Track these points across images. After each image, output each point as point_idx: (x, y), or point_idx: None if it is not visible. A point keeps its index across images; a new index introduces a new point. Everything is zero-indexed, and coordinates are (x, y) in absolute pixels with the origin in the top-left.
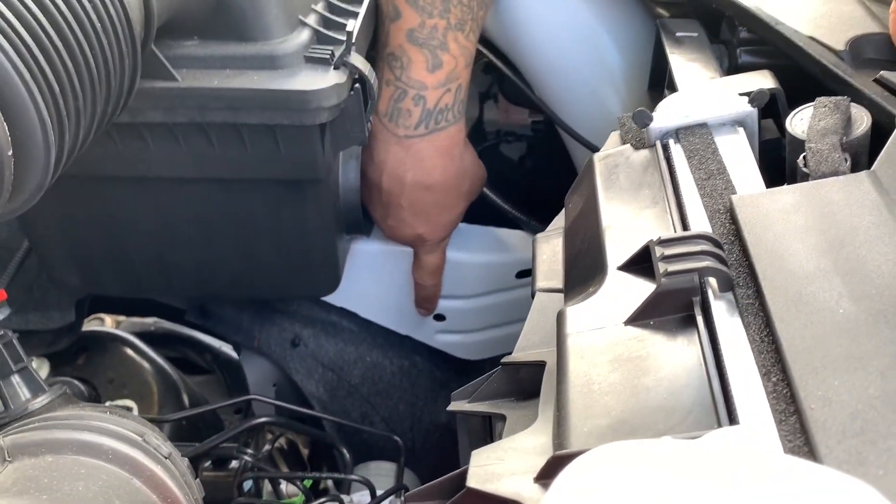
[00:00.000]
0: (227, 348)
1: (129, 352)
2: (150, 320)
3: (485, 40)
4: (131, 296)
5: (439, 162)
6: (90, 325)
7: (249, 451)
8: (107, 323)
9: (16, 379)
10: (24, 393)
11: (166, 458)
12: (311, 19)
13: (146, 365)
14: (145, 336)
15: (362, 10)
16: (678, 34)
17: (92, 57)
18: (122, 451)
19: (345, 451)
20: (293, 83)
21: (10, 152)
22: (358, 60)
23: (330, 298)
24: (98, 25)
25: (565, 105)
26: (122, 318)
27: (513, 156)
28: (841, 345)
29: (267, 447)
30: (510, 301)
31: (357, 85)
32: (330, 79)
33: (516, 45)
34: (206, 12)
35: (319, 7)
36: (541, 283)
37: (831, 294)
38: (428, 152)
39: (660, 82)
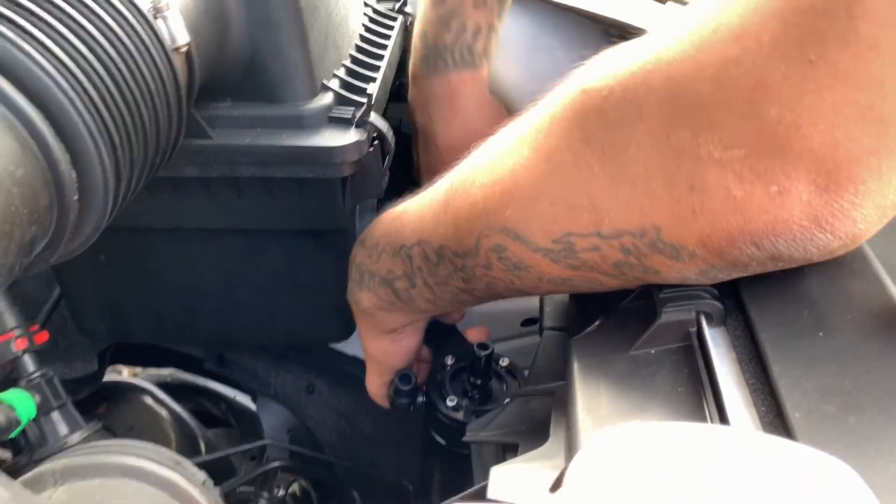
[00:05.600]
0: (242, 398)
1: (148, 401)
2: (166, 371)
3: None
4: (156, 342)
5: (439, 111)
6: (109, 377)
7: (265, 494)
8: (124, 374)
9: (55, 415)
10: (62, 428)
11: (202, 484)
12: (334, 83)
13: (164, 414)
14: (162, 386)
15: (380, 75)
16: None
17: (147, 116)
18: (164, 475)
19: (355, 493)
20: (318, 140)
21: (77, 197)
22: (377, 120)
23: (343, 348)
24: (153, 87)
25: None
26: (138, 369)
27: None
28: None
29: (281, 492)
30: (515, 349)
31: (376, 142)
32: (351, 136)
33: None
34: (238, 76)
35: (341, 73)
36: (548, 322)
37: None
38: (430, 97)
39: None
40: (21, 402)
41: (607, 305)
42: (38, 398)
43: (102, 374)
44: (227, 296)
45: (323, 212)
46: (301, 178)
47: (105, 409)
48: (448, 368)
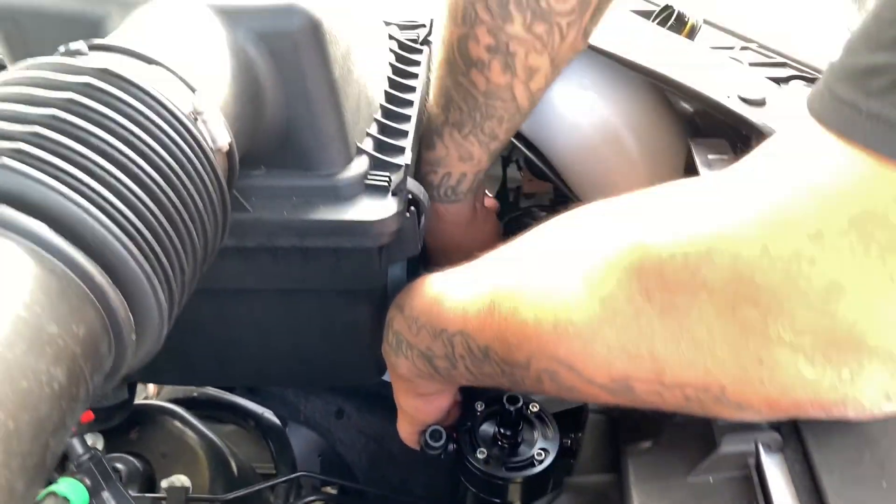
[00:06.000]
0: (269, 413)
1: (179, 425)
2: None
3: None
4: (187, 384)
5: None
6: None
7: None
8: (149, 389)
9: (105, 495)
10: None
11: None
12: (368, 144)
13: (195, 437)
14: (189, 402)
15: (412, 129)
16: (710, 157)
17: (196, 232)
18: None
19: None
20: (356, 213)
21: (134, 336)
22: (413, 185)
23: None
24: (200, 203)
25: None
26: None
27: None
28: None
29: None
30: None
31: (412, 207)
32: (389, 207)
33: (543, 134)
34: (272, 146)
35: (374, 130)
36: (592, 405)
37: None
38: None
39: None
40: (74, 491)
41: (658, 419)
42: (88, 482)
43: (132, 401)
44: (260, 346)
45: (359, 275)
46: (338, 247)
47: (137, 435)
48: (479, 415)
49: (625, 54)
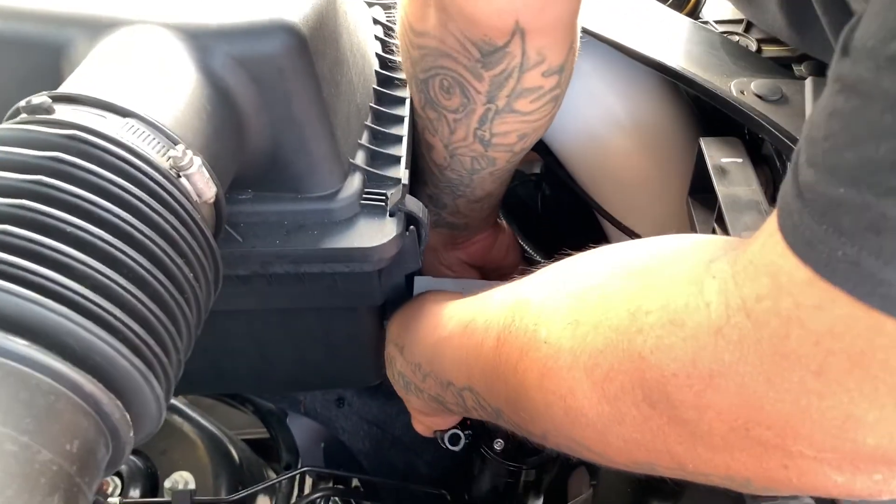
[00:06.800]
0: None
1: (178, 419)
2: None
3: None
4: (181, 394)
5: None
6: None
7: None
8: None
9: None
10: None
11: None
12: (361, 158)
13: (196, 431)
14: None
15: (406, 132)
16: (723, 161)
17: (189, 308)
18: None
19: None
20: (353, 238)
21: (132, 433)
22: (411, 203)
23: None
24: (192, 276)
25: (605, 194)
26: None
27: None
28: None
29: None
30: None
31: (412, 226)
32: (388, 230)
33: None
34: (258, 171)
35: (365, 139)
36: None
37: None
38: None
39: (700, 190)
40: None
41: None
42: None
43: None
44: (259, 356)
45: (357, 294)
46: (336, 272)
47: None
48: None
49: (626, 41)
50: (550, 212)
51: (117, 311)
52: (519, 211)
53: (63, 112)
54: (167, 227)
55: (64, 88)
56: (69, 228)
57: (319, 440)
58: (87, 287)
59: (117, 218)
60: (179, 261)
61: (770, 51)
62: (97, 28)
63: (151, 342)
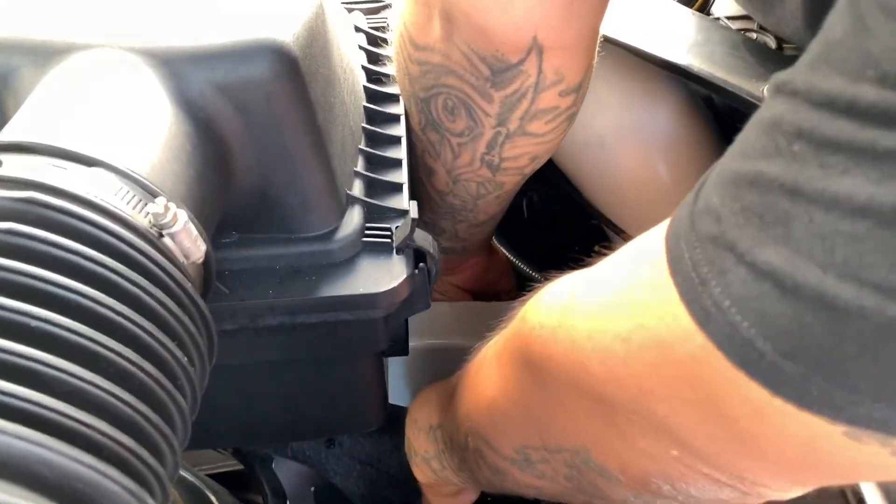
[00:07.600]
0: None
1: None
2: None
3: None
4: None
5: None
6: None
7: None
8: None
9: None
10: None
11: None
12: (358, 188)
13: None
14: None
15: (404, 155)
16: None
17: (182, 397)
18: None
19: None
20: (357, 284)
21: None
22: (420, 237)
23: None
24: (185, 360)
25: (614, 206)
26: None
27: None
28: None
29: None
30: None
31: (422, 264)
32: (397, 272)
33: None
34: (245, 212)
35: (361, 166)
36: None
37: None
38: None
39: None
40: None
41: None
42: None
43: None
44: (245, 411)
45: (360, 342)
46: (337, 320)
47: None
48: None
49: (642, 45)
50: (537, 218)
51: (97, 423)
52: (504, 219)
53: (12, 166)
54: (152, 303)
55: (10, 133)
56: (32, 322)
57: (309, 484)
58: (56, 397)
59: (90, 300)
60: (169, 343)
61: (791, 48)
62: (47, 53)
63: (143, 452)
